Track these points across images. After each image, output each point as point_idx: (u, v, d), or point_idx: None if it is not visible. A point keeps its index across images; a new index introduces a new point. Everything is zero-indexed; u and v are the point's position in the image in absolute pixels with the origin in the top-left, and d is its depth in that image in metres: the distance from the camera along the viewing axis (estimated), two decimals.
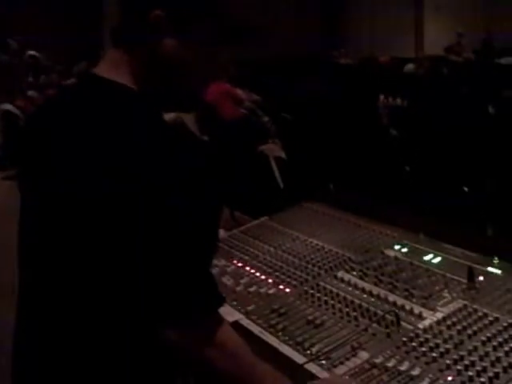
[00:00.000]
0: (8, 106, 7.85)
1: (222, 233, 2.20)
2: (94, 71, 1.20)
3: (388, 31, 15.39)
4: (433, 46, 14.34)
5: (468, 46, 13.06)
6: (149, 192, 1.02)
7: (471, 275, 1.57)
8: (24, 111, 7.61)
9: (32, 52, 9.44)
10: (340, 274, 1.71)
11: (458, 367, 1.25)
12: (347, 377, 1.28)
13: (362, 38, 15.12)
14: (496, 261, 1.65)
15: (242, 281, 1.75)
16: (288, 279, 1.73)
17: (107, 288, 1.07)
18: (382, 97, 7.58)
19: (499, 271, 1.62)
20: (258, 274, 1.78)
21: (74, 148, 1.09)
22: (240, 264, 1.86)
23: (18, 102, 7.92)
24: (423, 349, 1.33)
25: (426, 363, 1.29)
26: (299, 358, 1.36)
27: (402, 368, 1.28)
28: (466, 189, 2.88)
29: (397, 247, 1.83)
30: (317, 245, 1.92)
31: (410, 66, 10.63)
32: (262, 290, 1.68)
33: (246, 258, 1.90)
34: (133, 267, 1.04)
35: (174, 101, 1.26)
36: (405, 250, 1.81)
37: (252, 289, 1.69)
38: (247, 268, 1.83)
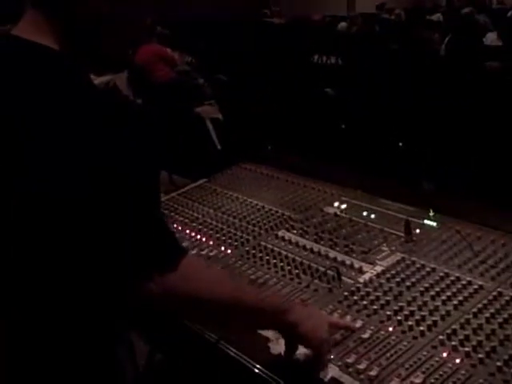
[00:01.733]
0: None
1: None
2: (15, 33, 1.12)
3: None
4: (365, 4, 14.44)
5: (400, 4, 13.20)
6: (95, 162, 1.02)
7: (408, 228, 1.61)
8: None
9: None
10: (281, 232, 1.72)
11: (399, 317, 1.28)
12: None
13: None
14: (431, 214, 1.69)
15: (183, 244, 1.72)
16: (229, 240, 1.72)
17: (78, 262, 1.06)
18: (316, 56, 7.59)
19: (435, 223, 1.66)
20: (198, 237, 1.76)
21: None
22: (180, 227, 1.84)
23: None
24: (364, 302, 1.36)
25: (368, 315, 1.31)
26: None
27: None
28: (400, 144, 2.93)
29: (335, 204, 1.85)
30: (256, 205, 1.92)
31: (342, 25, 10.67)
32: (203, 253, 1.67)
33: (186, 220, 1.88)
34: (105, 236, 1.05)
35: (100, 60, 1.21)
36: (343, 206, 1.83)
37: (193, 252, 1.68)
38: (187, 231, 1.81)
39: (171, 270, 1.10)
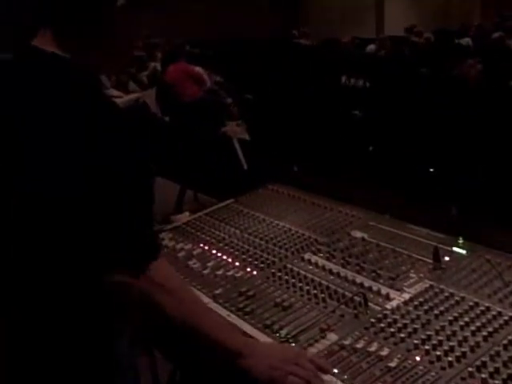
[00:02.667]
0: None
1: (187, 215, 2.18)
2: (34, 43, 1.26)
3: (348, 10, 15.43)
4: (393, 26, 14.44)
5: (428, 27, 13.16)
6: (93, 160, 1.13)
7: (437, 255, 1.59)
8: None
9: None
10: (307, 255, 1.71)
11: (426, 347, 1.26)
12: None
13: (321, 18, 15.12)
14: (461, 241, 1.67)
15: (209, 264, 1.73)
16: (255, 262, 1.72)
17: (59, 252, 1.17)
18: (344, 78, 7.59)
19: (464, 251, 1.64)
20: (224, 257, 1.76)
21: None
22: (206, 247, 1.84)
23: None
24: (391, 329, 1.33)
25: (395, 343, 1.29)
26: (268, 341, 1.35)
27: (371, 349, 1.28)
28: (431, 170, 2.90)
29: (363, 228, 1.83)
30: (283, 227, 1.91)
31: (371, 47, 10.67)
32: (229, 273, 1.67)
33: (213, 240, 1.88)
34: (86, 227, 1.15)
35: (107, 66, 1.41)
36: (371, 230, 1.81)
37: (219, 272, 1.67)
38: (214, 251, 1.81)
39: (138, 271, 1.17)
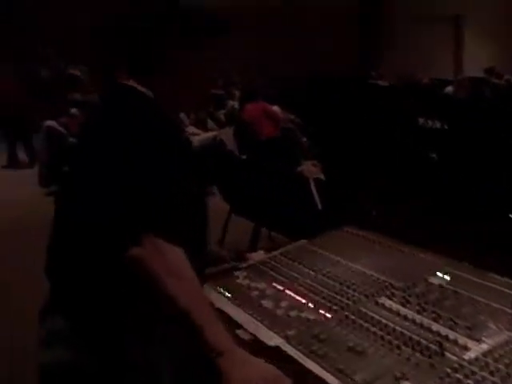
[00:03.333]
0: (51, 123, 8.00)
1: (261, 254, 2.20)
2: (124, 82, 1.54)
3: (426, 51, 15.33)
4: (473, 67, 14.23)
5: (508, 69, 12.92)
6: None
7: None
8: (68, 128, 7.75)
9: (72, 71, 9.55)
10: (382, 300, 1.69)
11: None
12: None
13: (398, 58, 15.07)
14: None
15: (283, 304, 1.73)
16: (329, 304, 1.71)
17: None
18: (421, 119, 7.51)
19: None
20: (298, 298, 1.77)
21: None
22: (280, 287, 1.85)
23: (62, 119, 8.06)
24: (468, 381, 1.30)
25: None
26: None
27: None
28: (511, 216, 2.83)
29: (440, 275, 1.80)
30: (358, 269, 1.90)
31: (449, 88, 10.53)
32: (303, 315, 1.67)
33: (286, 281, 1.89)
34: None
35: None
36: (448, 277, 1.78)
37: (292, 313, 1.68)
38: (287, 291, 1.82)
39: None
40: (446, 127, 7.06)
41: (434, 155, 4.60)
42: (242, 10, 11.53)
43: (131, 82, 1.52)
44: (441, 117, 7.21)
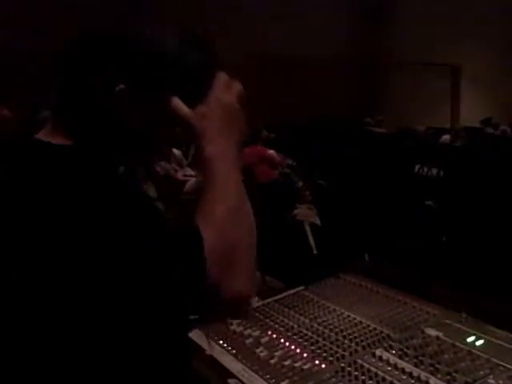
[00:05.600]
0: None
1: (256, 300, 2.16)
2: (38, 137, 1.21)
3: (422, 100, 15.52)
4: (469, 117, 14.39)
5: (504, 120, 13.07)
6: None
7: None
8: None
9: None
10: (378, 351, 1.65)
11: None
12: None
13: (395, 106, 15.25)
14: None
15: (277, 353, 1.69)
16: (324, 354, 1.67)
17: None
18: (417, 167, 7.55)
19: None
20: (292, 347, 1.72)
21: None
22: (274, 335, 1.81)
23: None
24: None
25: None
26: None
27: None
28: None
29: (438, 326, 1.76)
30: (354, 319, 1.86)
31: (446, 137, 10.64)
32: (297, 364, 1.62)
33: (281, 329, 1.85)
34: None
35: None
36: (446, 329, 1.74)
37: (286, 362, 1.63)
38: (282, 340, 1.78)
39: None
40: (441, 174, 7.10)
41: (430, 202, 4.61)
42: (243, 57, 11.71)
43: (51, 137, 1.19)
44: (437, 164, 7.25)
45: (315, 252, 3.68)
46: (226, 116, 1.23)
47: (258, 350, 1.71)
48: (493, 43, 15.97)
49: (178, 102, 1.21)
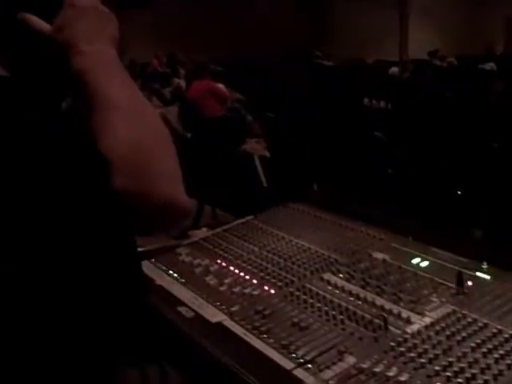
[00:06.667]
0: None
1: (204, 231, 2.16)
2: None
3: (371, 32, 15.47)
4: (417, 49, 14.43)
5: (452, 52, 13.15)
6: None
7: (460, 280, 1.55)
8: None
9: None
10: (326, 276, 1.68)
11: (447, 374, 1.22)
12: (333, 382, 1.24)
13: (344, 38, 15.17)
14: (485, 266, 1.63)
15: (226, 281, 1.70)
16: (273, 280, 1.69)
17: None
18: (366, 99, 7.58)
19: (488, 277, 1.59)
20: (242, 274, 1.73)
21: None
22: (224, 264, 1.82)
23: None
24: (411, 354, 1.30)
25: (415, 369, 1.25)
26: (285, 362, 1.32)
27: (390, 373, 1.24)
28: (458, 192, 2.86)
29: (385, 250, 1.80)
30: (303, 246, 1.88)
31: (394, 70, 10.68)
32: (247, 291, 1.64)
33: (230, 257, 1.86)
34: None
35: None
36: (393, 252, 1.78)
37: (236, 289, 1.65)
38: (231, 268, 1.79)
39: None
40: (389, 107, 7.16)
41: (379, 134, 4.65)
42: None
43: None
44: (385, 97, 7.29)
45: (265, 185, 3.70)
46: (88, 19, 1.10)
47: (207, 278, 1.72)
48: None
49: (31, 19, 1.08)
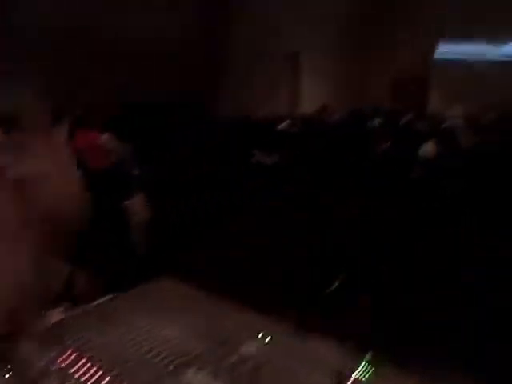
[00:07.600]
0: None
1: (61, 311, 1.89)
2: None
3: (262, 87, 15.68)
4: (307, 103, 14.80)
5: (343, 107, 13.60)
6: None
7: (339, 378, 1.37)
8: None
9: None
10: (189, 374, 1.45)
11: None
12: None
13: (238, 93, 15.26)
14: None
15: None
16: (128, 378, 1.43)
17: None
18: (257, 153, 7.53)
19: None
20: (91, 374, 1.47)
21: None
22: (73, 356, 1.54)
23: None
24: None
25: None
26: None
27: None
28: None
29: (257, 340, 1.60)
30: (167, 335, 1.64)
31: (284, 125, 10.85)
32: None
33: (83, 348, 1.58)
34: None
35: None
36: (266, 342, 1.58)
37: None
38: (83, 361, 1.51)
39: None
40: (279, 162, 7.14)
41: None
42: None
43: None
44: (274, 151, 7.28)
45: (139, 253, 3.45)
46: None
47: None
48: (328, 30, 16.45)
49: None
